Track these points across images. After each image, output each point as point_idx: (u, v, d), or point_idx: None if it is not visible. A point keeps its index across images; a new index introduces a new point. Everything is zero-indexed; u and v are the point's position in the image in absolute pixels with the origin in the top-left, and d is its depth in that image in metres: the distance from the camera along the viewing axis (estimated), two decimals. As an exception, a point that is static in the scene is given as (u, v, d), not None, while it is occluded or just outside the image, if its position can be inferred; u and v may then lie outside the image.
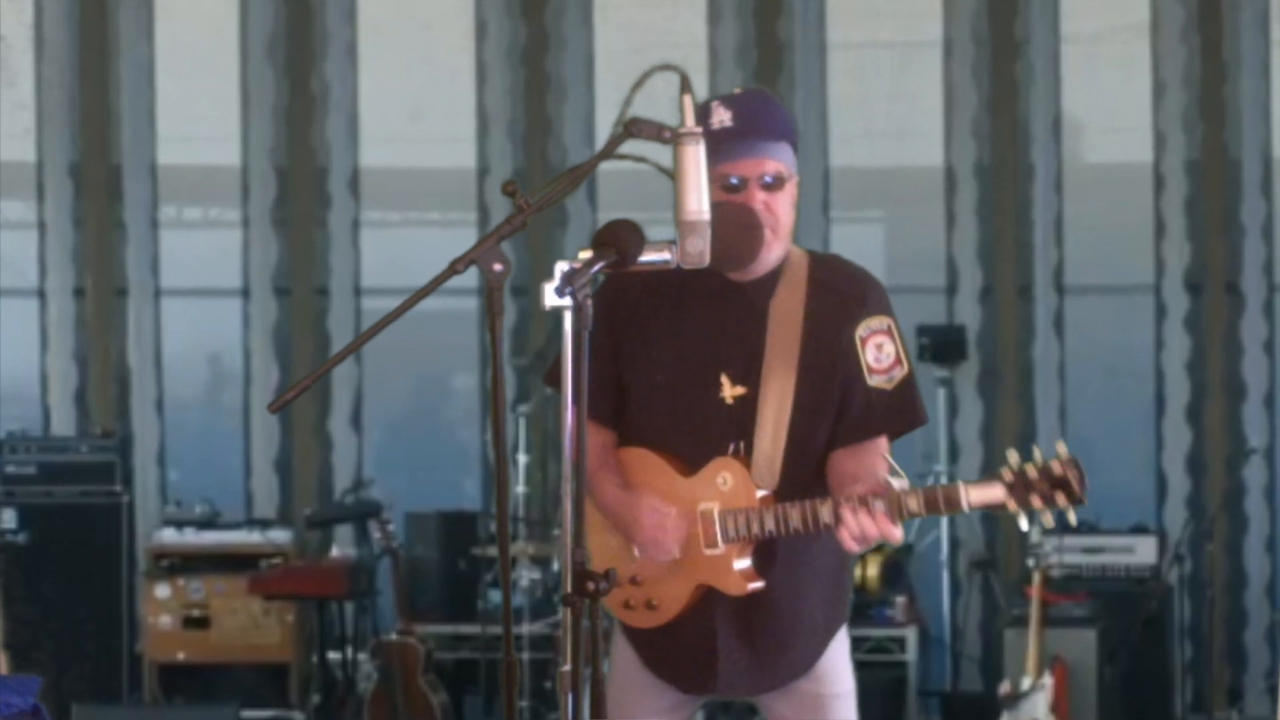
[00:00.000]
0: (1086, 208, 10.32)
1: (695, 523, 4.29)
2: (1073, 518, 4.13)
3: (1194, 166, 10.18)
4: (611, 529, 4.39)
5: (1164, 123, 10.19)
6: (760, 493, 4.25)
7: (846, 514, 4.12)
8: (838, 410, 4.30)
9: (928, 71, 10.34)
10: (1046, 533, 9.04)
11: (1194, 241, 10.19)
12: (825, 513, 4.16)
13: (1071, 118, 10.30)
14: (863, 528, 4.12)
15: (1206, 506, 9.98)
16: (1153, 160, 10.22)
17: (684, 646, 4.37)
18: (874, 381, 4.30)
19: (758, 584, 4.29)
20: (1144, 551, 9.55)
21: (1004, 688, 8.68)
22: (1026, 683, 8.60)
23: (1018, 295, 10.27)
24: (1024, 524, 4.14)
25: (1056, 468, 4.10)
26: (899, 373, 4.32)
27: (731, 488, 4.26)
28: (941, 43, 10.30)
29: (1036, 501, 4.10)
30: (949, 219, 10.32)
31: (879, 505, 4.12)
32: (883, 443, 4.34)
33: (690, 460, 4.31)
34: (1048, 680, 8.60)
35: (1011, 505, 4.12)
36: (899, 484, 4.15)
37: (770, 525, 4.23)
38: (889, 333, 4.32)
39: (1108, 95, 10.36)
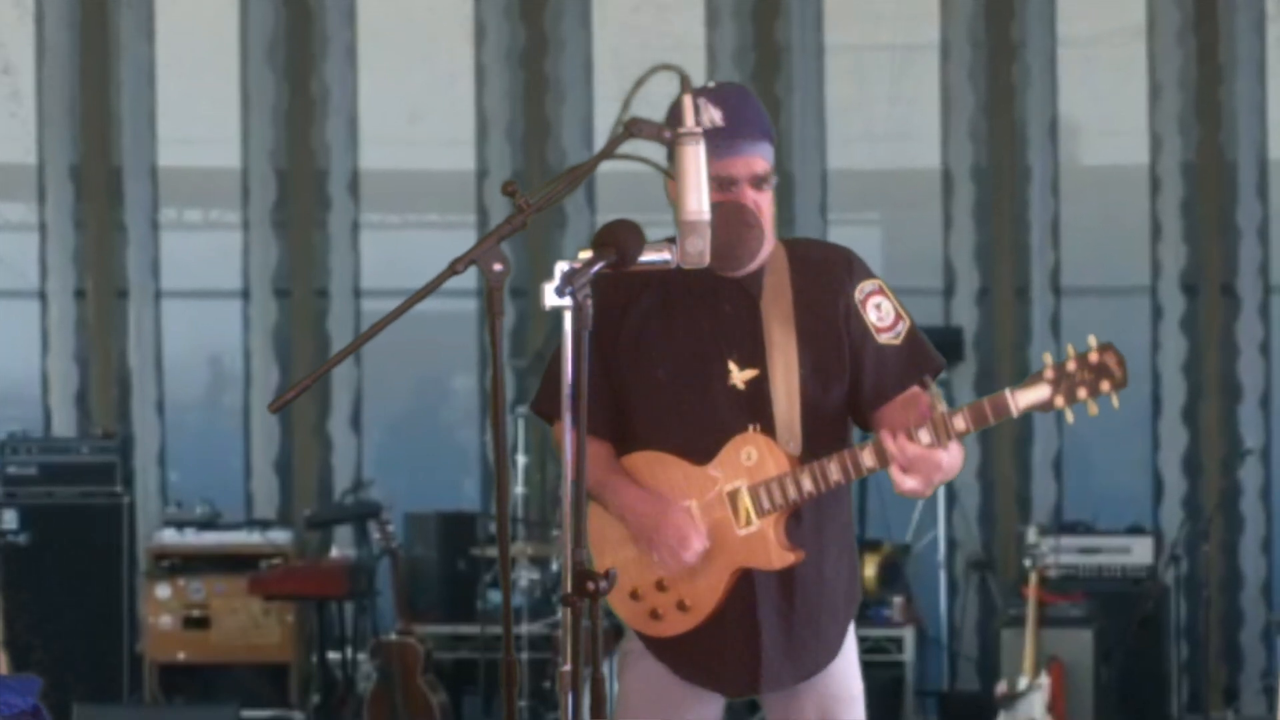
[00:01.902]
0: (1083, 209, 10.34)
1: (723, 506, 4.26)
2: (1115, 402, 4.14)
3: (1190, 168, 10.20)
4: (628, 540, 4.33)
5: (1160, 125, 10.21)
6: (791, 453, 4.22)
7: (886, 441, 4.12)
8: (855, 375, 4.30)
9: (925, 74, 10.35)
10: (1043, 533, 9.09)
11: (1190, 243, 10.21)
12: (866, 457, 4.17)
13: (1068, 120, 10.32)
14: (905, 452, 4.11)
15: (1202, 507, 9.99)
16: (1149, 162, 10.24)
17: (726, 642, 4.31)
18: (883, 339, 4.32)
19: (798, 554, 4.26)
20: (1140, 552, 9.56)
21: (1001, 688, 8.71)
22: (1023, 683, 8.63)
23: (1014, 297, 10.29)
24: (1070, 417, 4.16)
25: (1094, 356, 4.14)
26: (903, 326, 4.34)
27: (758, 460, 4.23)
28: (939, 45, 10.31)
29: (1082, 392, 4.14)
30: (946, 221, 10.34)
31: (921, 433, 4.12)
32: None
33: (702, 450, 4.27)
34: (1044, 680, 8.63)
35: (1059, 401, 4.16)
36: (942, 406, 4.16)
37: (809, 485, 4.21)
38: (881, 292, 4.35)
39: (1104, 97, 10.38)
